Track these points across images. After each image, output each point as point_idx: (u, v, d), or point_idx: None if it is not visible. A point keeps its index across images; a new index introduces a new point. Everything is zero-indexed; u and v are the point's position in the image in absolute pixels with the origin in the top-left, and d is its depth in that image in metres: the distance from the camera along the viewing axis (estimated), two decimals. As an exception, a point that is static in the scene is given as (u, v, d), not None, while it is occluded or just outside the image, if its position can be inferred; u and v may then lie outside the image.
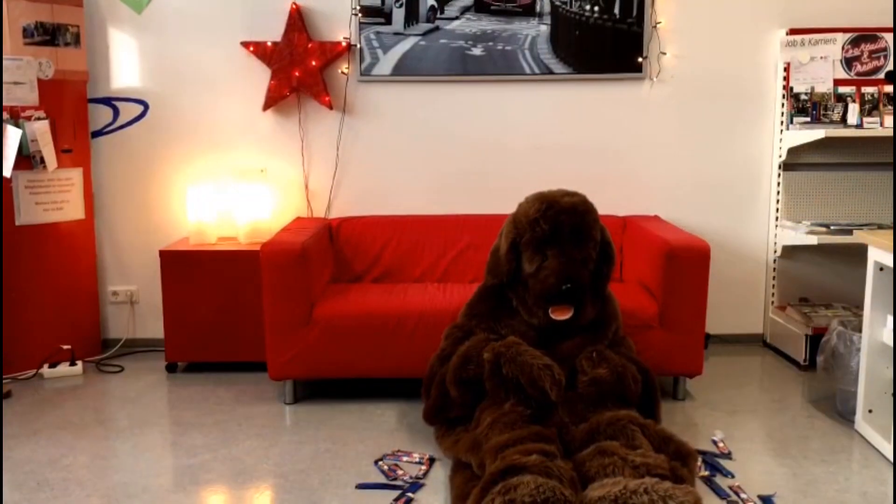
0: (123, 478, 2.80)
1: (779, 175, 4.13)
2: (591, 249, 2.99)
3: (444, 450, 2.84)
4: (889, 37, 4.00)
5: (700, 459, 2.83)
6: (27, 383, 3.81)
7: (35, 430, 3.23)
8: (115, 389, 3.74)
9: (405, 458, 2.91)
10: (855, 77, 4.04)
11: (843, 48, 4.03)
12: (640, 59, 4.10)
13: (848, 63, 4.04)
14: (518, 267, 3.03)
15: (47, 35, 3.84)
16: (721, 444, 3.01)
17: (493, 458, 2.43)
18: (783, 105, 4.08)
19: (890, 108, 3.99)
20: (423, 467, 2.83)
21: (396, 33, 4.11)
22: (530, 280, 2.97)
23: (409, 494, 2.64)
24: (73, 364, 3.92)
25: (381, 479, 2.75)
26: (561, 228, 2.93)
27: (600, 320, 3.07)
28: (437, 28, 4.11)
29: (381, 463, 2.87)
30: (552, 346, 2.95)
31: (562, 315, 2.94)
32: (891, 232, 3.18)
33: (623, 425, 2.57)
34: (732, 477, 2.75)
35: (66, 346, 3.94)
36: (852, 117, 4.00)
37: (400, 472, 2.80)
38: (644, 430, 2.58)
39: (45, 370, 3.88)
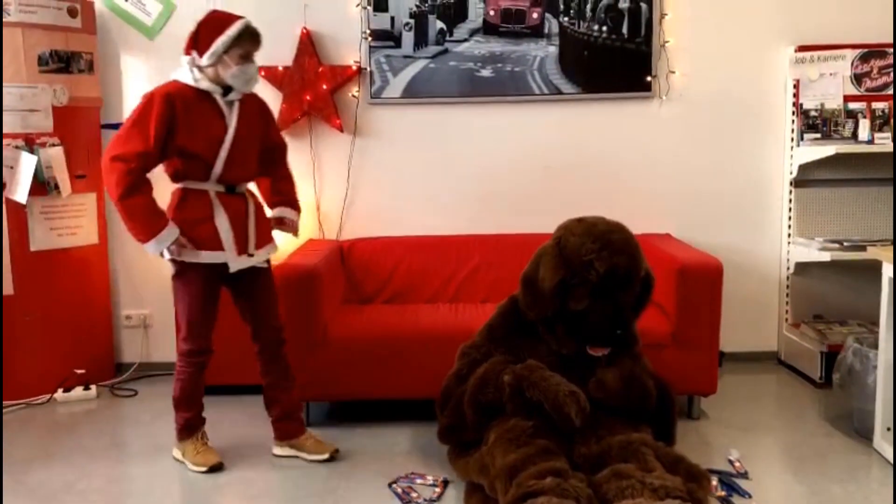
0: (138, 502, 2.80)
1: (790, 192, 4.12)
2: (637, 287, 2.90)
3: (457, 471, 2.82)
4: (899, 52, 4.00)
5: (716, 479, 2.81)
6: (41, 408, 3.82)
7: (49, 454, 3.24)
8: (129, 413, 3.74)
9: (419, 481, 2.90)
10: (865, 93, 4.04)
11: (852, 64, 4.03)
12: (648, 79, 4.11)
13: (857, 79, 4.04)
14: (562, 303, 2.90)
15: (62, 63, 3.89)
16: (737, 464, 2.99)
17: (506, 483, 2.41)
18: (793, 122, 4.07)
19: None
20: (438, 490, 2.82)
21: (406, 56, 4.14)
22: (574, 318, 2.84)
23: (424, 517, 2.63)
24: (87, 388, 3.94)
25: (396, 502, 2.74)
26: (615, 272, 2.80)
27: (625, 343, 3.01)
28: (446, 50, 4.14)
29: (395, 485, 2.86)
30: (582, 374, 2.84)
31: (598, 352, 2.86)
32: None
33: (635, 448, 2.54)
34: (749, 497, 2.73)
35: (80, 371, 3.95)
36: (863, 133, 3.99)
37: (414, 494, 2.78)
38: (656, 453, 2.56)
39: (60, 394, 3.89)
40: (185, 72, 2.90)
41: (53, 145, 3.85)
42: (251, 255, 3.01)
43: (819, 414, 3.54)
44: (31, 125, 3.79)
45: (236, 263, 2.96)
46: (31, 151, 3.77)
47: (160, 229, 2.83)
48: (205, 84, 2.89)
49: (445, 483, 2.87)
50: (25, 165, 3.73)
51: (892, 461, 2.97)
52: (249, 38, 2.89)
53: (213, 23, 2.87)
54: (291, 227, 3.21)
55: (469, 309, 3.71)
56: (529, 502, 2.22)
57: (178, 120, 2.83)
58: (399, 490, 2.81)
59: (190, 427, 3.10)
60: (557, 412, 2.64)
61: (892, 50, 4.00)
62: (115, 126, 4.22)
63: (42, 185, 3.82)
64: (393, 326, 3.48)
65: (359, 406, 3.63)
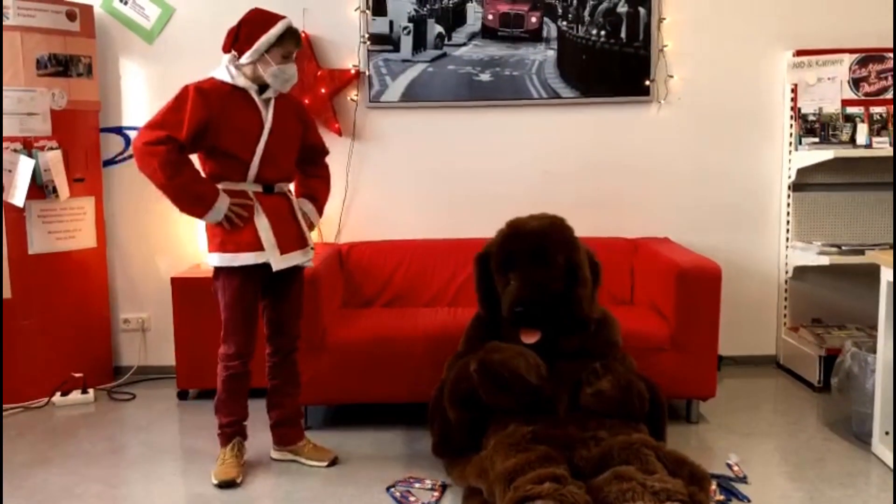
0: (135, 506, 2.80)
1: (788, 196, 4.12)
2: (554, 271, 2.91)
3: (455, 479, 2.82)
4: (896, 57, 4.01)
5: (715, 483, 2.80)
6: (39, 411, 3.81)
7: (47, 458, 3.23)
8: (127, 417, 3.74)
9: (417, 485, 2.89)
10: (863, 97, 4.05)
11: (850, 69, 4.04)
12: (647, 83, 4.12)
13: (855, 83, 4.04)
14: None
15: (60, 66, 3.89)
16: (736, 468, 2.98)
17: (504, 487, 2.41)
18: (791, 126, 4.08)
19: (899, 127, 3.99)
20: (436, 494, 2.81)
21: (405, 60, 4.15)
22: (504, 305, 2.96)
23: (422, 521, 2.63)
24: (84, 392, 3.93)
25: (394, 506, 2.74)
26: (522, 251, 2.91)
27: (600, 344, 3.02)
28: (444, 54, 4.15)
29: (393, 489, 2.85)
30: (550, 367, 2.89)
31: (529, 339, 2.90)
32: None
33: (636, 449, 2.53)
34: (748, 501, 2.72)
35: (78, 374, 3.94)
36: (861, 137, 3.99)
37: (412, 498, 2.78)
38: (657, 454, 2.55)
39: (57, 398, 3.89)
40: (223, 70, 2.89)
41: (52, 149, 3.85)
42: (311, 249, 3.04)
43: (817, 418, 3.54)
44: (29, 129, 3.79)
45: (278, 263, 2.92)
46: (30, 155, 3.77)
47: (213, 201, 2.82)
48: (241, 81, 2.87)
49: (444, 487, 2.87)
50: (23, 169, 3.73)
51: (890, 465, 2.96)
52: (292, 39, 2.89)
53: (256, 21, 2.86)
54: (306, 222, 3.12)
55: (468, 312, 3.69)
56: None
57: (213, 115, 2.81)
58: (397, 494, 2.81)
59: (224, 434, 3.05)
60: (515, 379, 2.70)
61: (889, 55, 4.01)
62: (114, 130, 4.23)
63: (40, 189, 3.82)
64: (392, 330, 3.48)
65: (357, 409, 3.63)
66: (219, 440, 3.06)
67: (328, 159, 3.28)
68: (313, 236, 3.18)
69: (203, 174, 2.91)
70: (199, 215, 2.85)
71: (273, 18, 2.87)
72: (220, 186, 2.89)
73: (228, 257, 2.89)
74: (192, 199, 2.82)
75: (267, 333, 3.10)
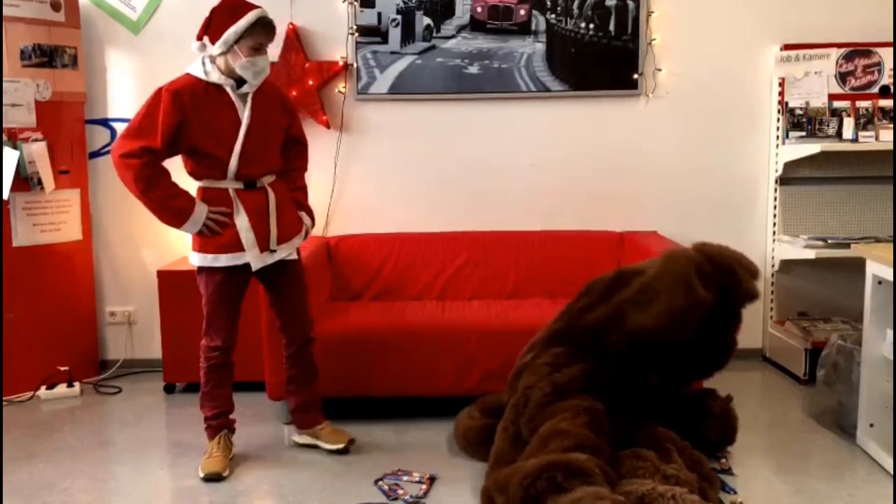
0: (122, 501, 2.78)
1: (775, 189, 4.14)
2: None
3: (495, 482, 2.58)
4: (882, 51, 4.03)
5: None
6: (24, 405, 3.79)
7: (32, 452, 3.21)
8: (114, 411, 3.72)
9: (406, 478, 2.89)
10: (849, 92, 4.06)
11: (837, 63, 4.05)
12: (635, 76, 4.12)
13: (842, 78, 4.06)
14: None
15: (45, 57, 3.85)
16: (722, 461, 3.00)
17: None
18: (778, 120, 4.10)
19: (885, 122, 4.01)
20: (424, 487, 2.82)
21: (393, 52, 4.13)
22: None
23: (411, 514, 2.63)
24: (70, 385, 3.91)
25: (382, 499, 2.74)
26: None
27: None
28: (433, 47, 4.14)
29: (381, 483, 2.85)
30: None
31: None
32: (889, 245, 3.18)
33: (659, 441, 2.61)
34: (735, 493, 2.74)
35: (63, 368, 3.92)
36: (847, 132, 4.01)
37: (401, 491, 2.78)
38: (680, 451, 2.61)
39: (43, 392, 3.86)
40: (197, 65, 2.84)
41: (36, 140, 3.81)
42: (273, 251, 2.96)
43: (803, 410, 3.56)
44: (13, 120, 3.75)
45: (258, 261, 2.90)
46: (14, 147, 3.73)
47: (190, 211, 2.81)
48: (216, 77, 2.82)
49: (432, 480, 2.87)
50: (7, 161, 3.70)
51: (875, 457, 2.99)
52: (263, 29, 2.81)
53: (227, 9, 2.79)
54: (298, 229, 3.10)
55: (456, 306, 3.71)
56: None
57: (187, 117, 2.77)
58: (385, 487, 2.81)
59: (210, 428, 3.04)
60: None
61: (875, 49, 4.03)
62: (100, 122, 4.20)
63: (25, 181, 3.79)
64: (380, 323, 3.48)
65: (345, 403, 3.62)
66: (206, 434, 3.05)
67: (311, 150, 3.25)
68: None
69: (186, 171, 2.90)
70: (177, 226, 2.85)
71: (244, 7, 2.79)
72: (201, 184, 2.89)
73: (210, 258, 2.88)
74: (167, 213, 2.81)
75: (279, 325, 3.11)
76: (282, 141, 3.04)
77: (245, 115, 2.85)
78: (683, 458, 2.57)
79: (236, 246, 2.87)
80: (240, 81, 2.85)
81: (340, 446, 3.12)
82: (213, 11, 2.82)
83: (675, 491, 2.23)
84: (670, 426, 2.76)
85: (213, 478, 2.91)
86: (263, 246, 2.91)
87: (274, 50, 4.02)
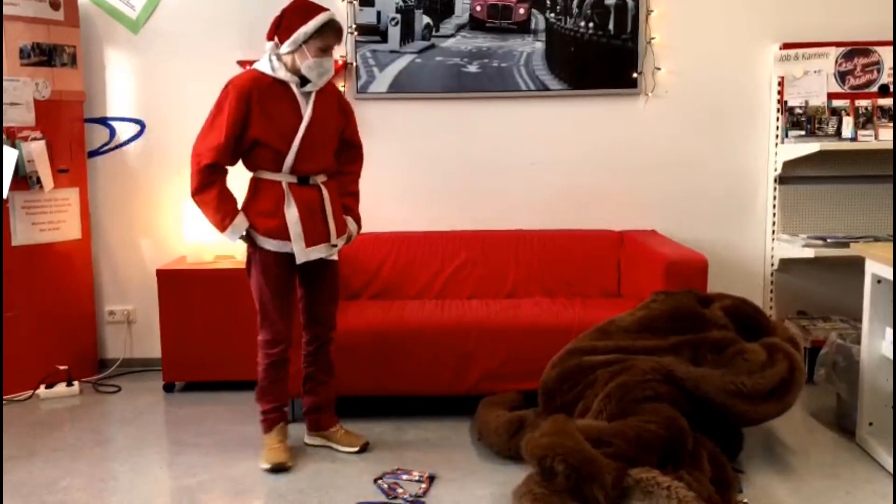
0: (121, 499, 2.78)
1: (774, 188, 4.14)
2: None
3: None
4: (882, 50, 4.03)
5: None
6: (24, 404, 3.79)
7: (32, 451, 3.21)
8: (113, 410, 3.72)
9: (405, 477, 2.89)
10: (849, 91, 4.06)
11: (836, 62, 4.05)
12: (634, 75, 4.12)
13: (841, 77, 4.06)
14: None
15: (44, 56, 3.85)
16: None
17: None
18: (778, 119, 4.10)
19: (884, 121, 4.01)
20: (424, 485, 2.82)
21: (392, 51, 4.13)
22: None
23: (410, 513, 2.63)
24: (69, 384, 3.90)
25: (381, 498, 2.74)
26: None
27: None
28: (432, 46, 4.13)
29: (380, 481, 2.85)
30: None
31: None
32: (889, 244, 3.19)
33: (695, 445, 2.60)
34: (741, 493, 2.73)
35: (62, 367, 3.92)
36: (847, 130, 4.01)
37: (400, 490, 2.78)
38: (710, 456, 2.62)
39: (42, 391, 3.86)
40: (265, 61, 2.90)
41: (35, 139, 3.81)
42: (334, 246, 3.02)
43: (803, 409, 3.56)
44: (12, 119, 3.75)
45: (303, 255, 2.94)
46: (13, 145, 3.73)
47: (231, 222, 2.88)
48: (282, 73, 2.88)
49: (431, 479, 2.87)
50: (6, 159, 3.69)
51: (874, 456, 2.99)
52: (332, 32, 2.87)
53: (298, 10, 2.86)
54: (344, 232, 3.13)
55: (455, 305, 3.71)
56: None
57: (252, 110, 2.83)
58: (384, 486, 2.81)
59: (266, 421, 3.07)
60: None
61: (874, 49, 4.03)
62: (99, 120, 4.20)
63: (24, 180, 3.78)
64: (379, 323, 3.48)
65: (344, 402, 3.62)
66: (261, 427, 3.08)
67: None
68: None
69: (242, 162, 2.97)
70: (218, 230, 2.93)
71: (315, 10, 2.86)
72: (255, 174, 2.96)
73: (260, 238, 2.93)
74: (210, 217, 2.91)
75: (303, 322, 3.12)
76: (337, 142, 3.09)
77: (307, 112, 2.91)
78: (710, 463, 2.56)
79: (283, 234, 2.92)
80: (303, 80, 2.91)
81: (355, 449, 3.12)
82: (284, 12, 2.88)
83: (672, 483, 2.23)
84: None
85: (279, 468, 2.95)
86: (310, 241, 2.95)
87: (273, 49, 4.05)
